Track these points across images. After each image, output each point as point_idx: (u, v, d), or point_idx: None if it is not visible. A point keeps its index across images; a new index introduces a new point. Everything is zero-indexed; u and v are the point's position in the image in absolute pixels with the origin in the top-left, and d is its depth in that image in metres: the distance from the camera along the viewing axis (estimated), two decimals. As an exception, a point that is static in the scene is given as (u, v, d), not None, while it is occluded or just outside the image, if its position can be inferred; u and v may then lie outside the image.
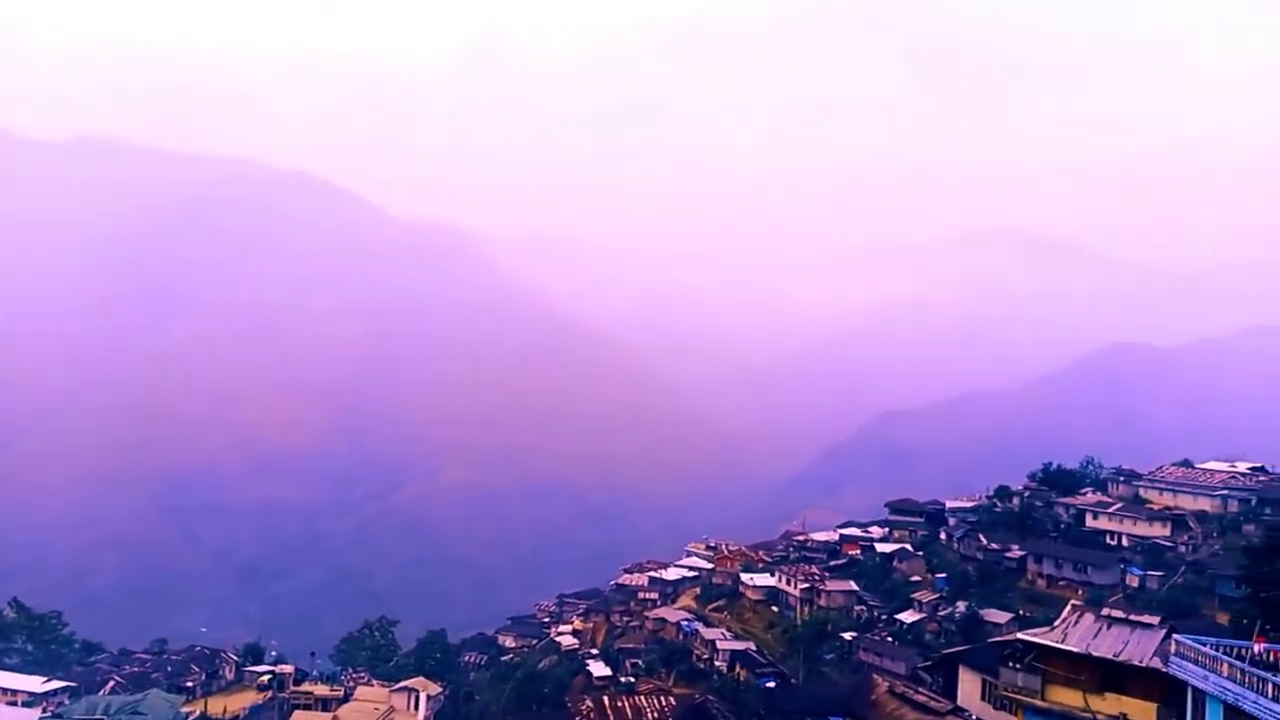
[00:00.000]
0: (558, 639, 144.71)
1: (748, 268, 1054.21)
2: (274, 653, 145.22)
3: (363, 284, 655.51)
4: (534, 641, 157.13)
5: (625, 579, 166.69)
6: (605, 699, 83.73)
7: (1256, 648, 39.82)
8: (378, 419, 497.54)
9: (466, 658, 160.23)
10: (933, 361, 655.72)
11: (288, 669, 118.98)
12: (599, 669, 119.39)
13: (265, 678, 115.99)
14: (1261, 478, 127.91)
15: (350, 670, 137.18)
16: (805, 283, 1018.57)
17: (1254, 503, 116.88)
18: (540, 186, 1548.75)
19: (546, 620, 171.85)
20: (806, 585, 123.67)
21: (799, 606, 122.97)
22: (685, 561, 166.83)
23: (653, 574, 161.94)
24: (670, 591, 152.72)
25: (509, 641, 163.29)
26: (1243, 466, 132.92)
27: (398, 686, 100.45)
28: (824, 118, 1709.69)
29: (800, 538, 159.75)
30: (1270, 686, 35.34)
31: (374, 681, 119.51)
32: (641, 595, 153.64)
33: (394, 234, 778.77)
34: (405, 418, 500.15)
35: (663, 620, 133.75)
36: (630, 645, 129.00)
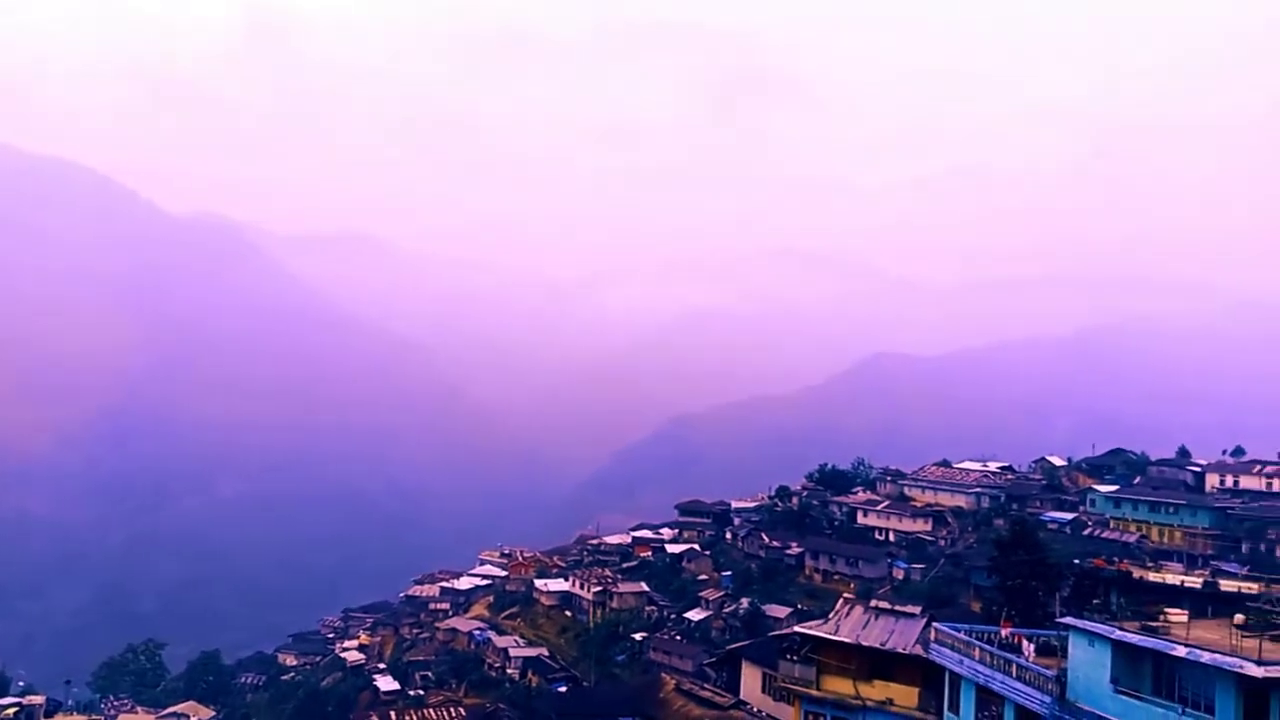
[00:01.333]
0: (343, 655, 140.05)
1: (545, 277, 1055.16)
2: (21, 682, 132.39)
3: (129, 280, 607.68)
4: (317, 658, 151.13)
5: (415, 590, 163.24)
6: (392, 714, 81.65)
7: (1003, 632, 43.64)
8: (146, 425, 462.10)
9: (243, 679, 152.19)
10: (722, 368, 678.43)
11: (37, 699, 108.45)
12: (386, 683, 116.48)
13: (10, 710, 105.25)
14: (1009, 476, 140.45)
15: (112, 698, 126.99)
16: (603, 292, 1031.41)
17: (1003, 499, 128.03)
18: (335, 187, 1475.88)
19: (331, 636, 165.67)
20: (599, 588, 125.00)
21: (592, 610, 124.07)
22: (479, 570, 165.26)
23: (445, 584, 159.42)
24: (463, 601, 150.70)
25: (290, 660, 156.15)
26: (993, 466, 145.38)
27: (165, 713, 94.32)
28: (628, 134, 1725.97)
29: (594, 541, 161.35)
30: (1014, 667, 38.81)
31: (139, 709, 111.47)
32: (433, 606, 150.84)
33: (167, 229, 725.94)
34: (177, 423, 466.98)
35: (454, 630, 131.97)
36: (420, 657, 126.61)
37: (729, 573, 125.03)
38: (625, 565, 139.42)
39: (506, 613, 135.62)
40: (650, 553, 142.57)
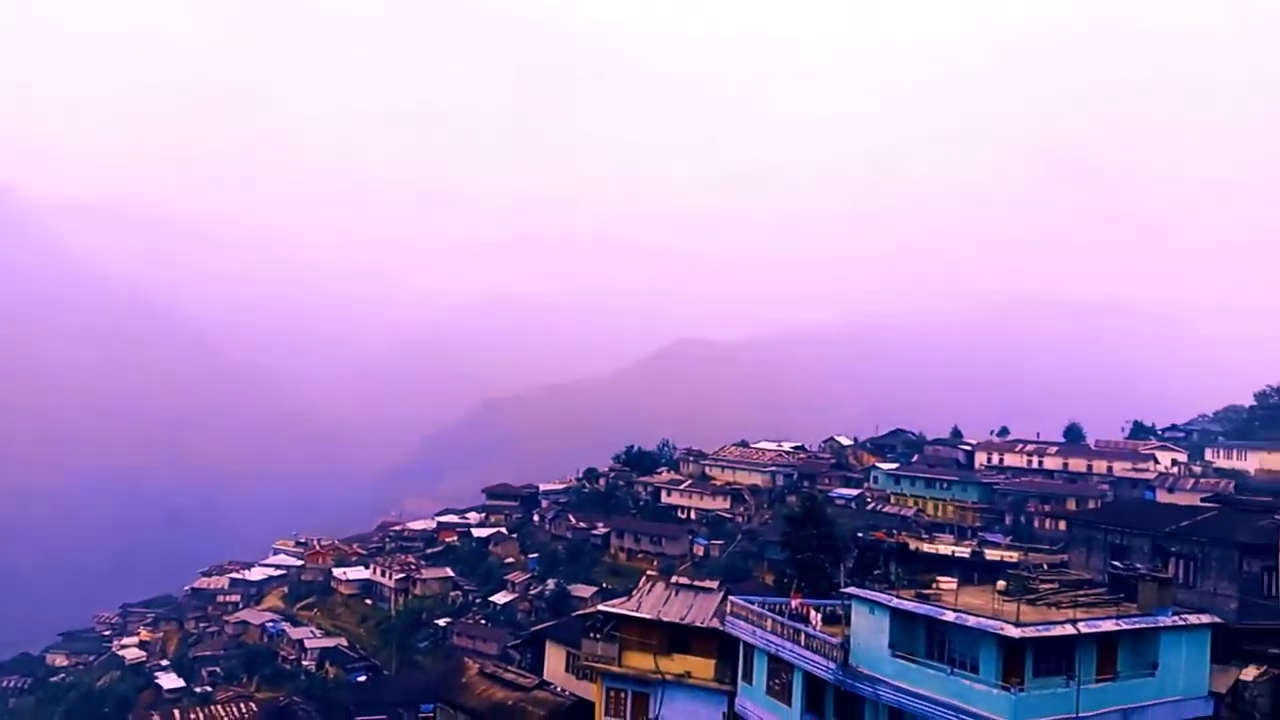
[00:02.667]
0: (121, 652, 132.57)
1: (343, 255, 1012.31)
2: None
3: None
4: (92, 658, 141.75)
5: (203, 582, 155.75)
6: (176, 712, 77.48)
7: (794, 603, 45.78)
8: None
9: (5, 682, 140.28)
10: (530, 351, 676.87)
11: None
12: (170, 681, 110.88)
13: None
14: (802, 455, 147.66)
15: None
16: (404, 272, 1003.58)
17: (795, 477, 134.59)
18: (116, 152, 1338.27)
19: (108, 633, 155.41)
20: (402, 575, 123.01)
21: (394, 597, 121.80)
22: (272, 560, 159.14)
23: (235, 575, 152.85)
24: (255, 593, 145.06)
25: (61, 660, 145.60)
26: (787, 446, 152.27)
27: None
28: (433, 111, 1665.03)
29: (397, 528, 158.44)
30: (803, 636, 40.85)
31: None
32: (222, 599, 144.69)
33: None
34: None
35: (245, 623, 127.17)
36: (208, 652, 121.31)
37: (535, 555, 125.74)
38: (430, 551, 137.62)
39: (302, 603, 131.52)
40: (456, 537, 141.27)
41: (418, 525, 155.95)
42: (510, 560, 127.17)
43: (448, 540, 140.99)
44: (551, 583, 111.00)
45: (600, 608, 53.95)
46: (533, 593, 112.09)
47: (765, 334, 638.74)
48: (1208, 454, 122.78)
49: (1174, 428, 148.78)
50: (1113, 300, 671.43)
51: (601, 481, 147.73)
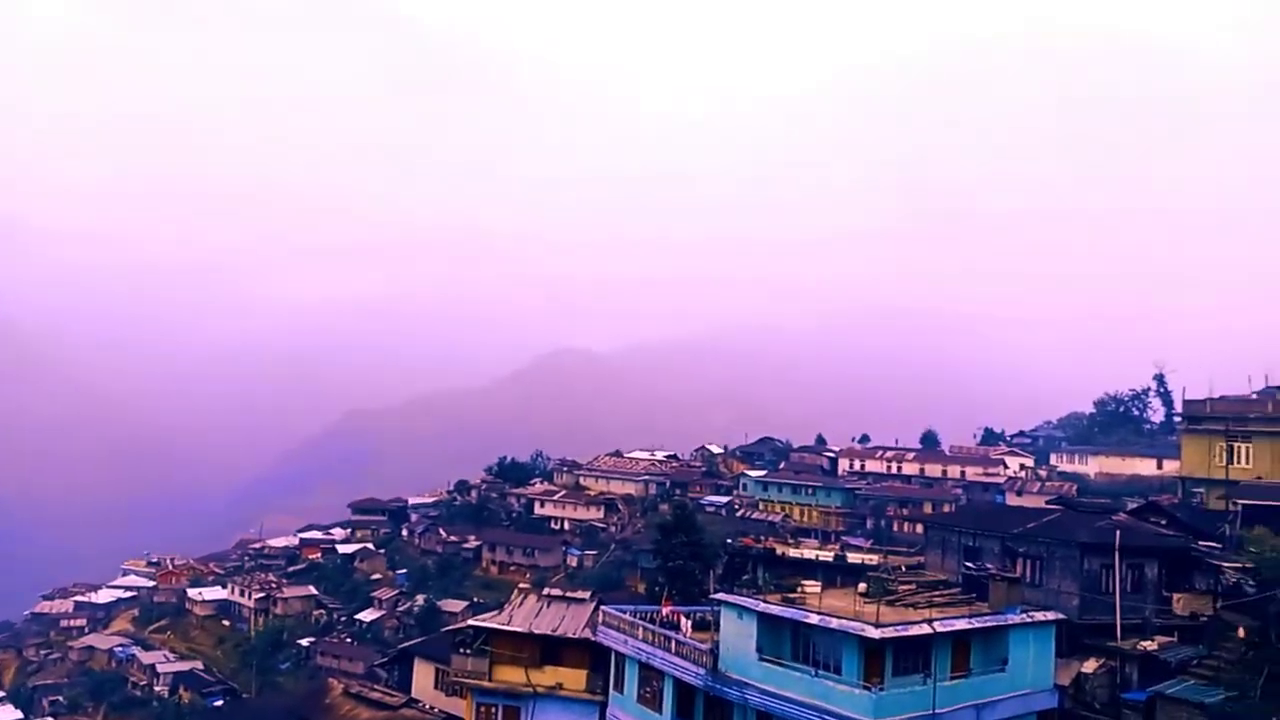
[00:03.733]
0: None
1: (188, 255, 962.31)
2: None
3: None
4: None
5: (44, 606, 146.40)
6: (12, 749, 72.43)
7: (664, 611, 46.11)
8: None
9: None
10: (399, 361, 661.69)
11: None
12: (7, 713, 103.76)
13: None
14: (674, 464, 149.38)
15: None
16: (260, 275, 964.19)
17: (668, 485, 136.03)
18: None
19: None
20: (262, 594, 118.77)
21: (254, 617, 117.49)
22: (122, 581, 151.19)
23: (80, 598, 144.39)
24: (102, 616, 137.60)
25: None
26: (660, 455, 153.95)
27: None
28: (295, 107, 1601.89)
29: (257, 545, 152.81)
30: (673, 643, 41.22)
31: None
32: (65, 623, 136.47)
33: None
34: None
35: (91, 648, 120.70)
36: (50, 681, 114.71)
37: (404, 570, 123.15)
38: (292, 569, 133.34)
39: (155, 626, 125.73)
40: (320, 554, 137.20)
41: (279, 542, 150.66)
42: (377, 576, 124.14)
43: (311, 557, 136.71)
44: (421, 598, 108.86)
45: (471, 622, 53.24)
46: (401, 609, 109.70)
47: (640, 345, 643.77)
48: (1052, 458, 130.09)
49: (1022, 434, 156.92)
50: (970, 314, 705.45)
51: (473, 494, 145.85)
